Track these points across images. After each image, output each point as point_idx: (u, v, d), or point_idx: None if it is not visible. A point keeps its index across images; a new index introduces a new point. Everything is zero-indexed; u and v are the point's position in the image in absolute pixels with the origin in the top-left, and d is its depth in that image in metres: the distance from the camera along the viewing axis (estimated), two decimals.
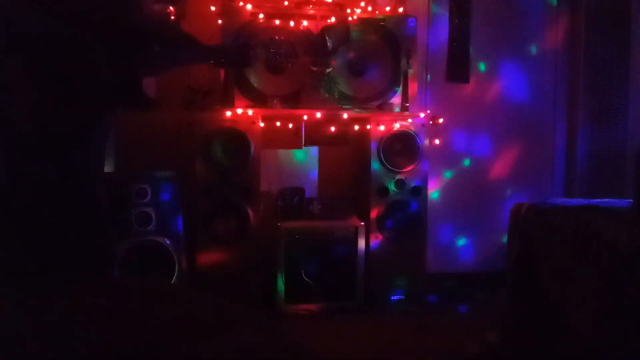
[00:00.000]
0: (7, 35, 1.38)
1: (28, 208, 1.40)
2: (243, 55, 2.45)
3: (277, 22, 3.25)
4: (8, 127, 1.38)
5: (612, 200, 2.24)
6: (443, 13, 3.73)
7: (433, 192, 3.71)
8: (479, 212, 3.82)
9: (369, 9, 3.48)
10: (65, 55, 1.41)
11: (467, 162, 3.81)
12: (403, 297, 3.30)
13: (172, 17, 3.00)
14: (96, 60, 1.46)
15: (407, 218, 3.28)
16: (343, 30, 3.16)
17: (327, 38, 3.10)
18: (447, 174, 3.78)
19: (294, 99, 3.25)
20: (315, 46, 3.18)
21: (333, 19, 3.30)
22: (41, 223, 1.40)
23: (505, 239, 2.49)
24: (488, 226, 3.80)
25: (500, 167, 3.86)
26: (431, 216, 3.47)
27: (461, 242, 3.83)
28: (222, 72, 3.18)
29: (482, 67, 3.78)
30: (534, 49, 3.86)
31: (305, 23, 3.29)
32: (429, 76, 3.71)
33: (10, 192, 1.38)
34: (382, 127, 3.24)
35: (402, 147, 3.28)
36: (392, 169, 3.25)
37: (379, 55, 3.36)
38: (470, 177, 3.81)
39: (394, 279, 3.29)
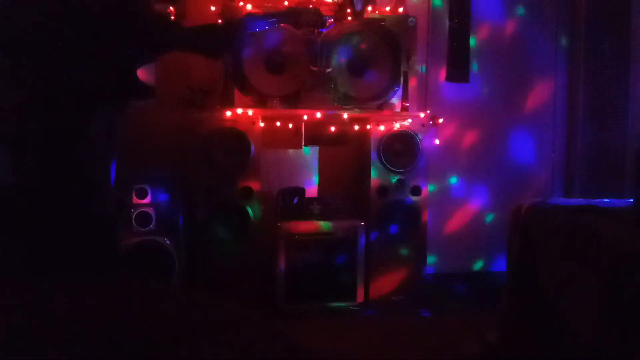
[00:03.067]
0: None
1: (31, 207, 1.39)
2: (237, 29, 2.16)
3: None
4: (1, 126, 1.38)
5: (612, 200, 2.25)
6: (443, 13, 3.73)
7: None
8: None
9: (369, 9, 3.47)
10: (49, 54, 1.41)
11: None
12: (403, 297, 3.30)
13: (172, 17, 3.00)
14: (82, 57, 1.46)
15: (407, 218, 3.28)
16: None
17: None
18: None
19: (294, 99, 3.25)
20: (343, 8, 3.14)
21: (332, 20, 3.30)
22: (44, 222, 1.40)
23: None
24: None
25: (500, 166, 3.87)
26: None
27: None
28: (222, 72, 3.18)
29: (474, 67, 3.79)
30: (532, 45, 3.86)
31: None
32: (426, 72, 3.71)
33: (13, 191, 1.38)
34: (382, 127, 3.24)
35: (402, 147, 3.27)
36: (392, 169, 3.25)
37: (379, 55, 3.36)
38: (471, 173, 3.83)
39: (394, 278, 3.29)
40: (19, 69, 1.38)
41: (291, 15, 2.44)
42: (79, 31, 1.44)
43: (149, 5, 1.84)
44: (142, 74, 1.67)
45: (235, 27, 2.13)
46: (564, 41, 3.89)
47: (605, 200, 2.24)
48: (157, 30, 1.70)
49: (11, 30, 1.40)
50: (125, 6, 1.56)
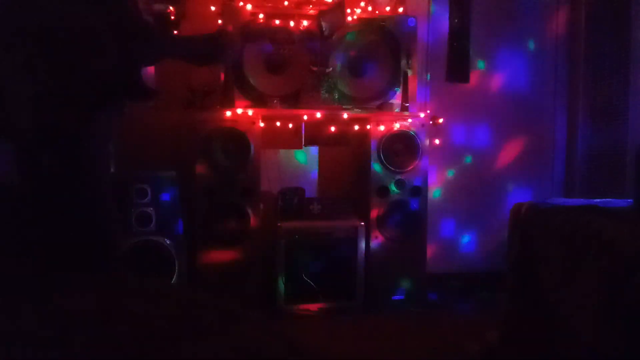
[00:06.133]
0: (7, 31, 1.38)
1: (32, 206, 1.40)
2: (232, 40, 2.26)
3: (277, 22, 3.25)
4: (9, 122, 1.38)
5: (612, 200, 2.24)
6: (443, 13, 3.73)
7: (435, 190, 3.72)
8: (481, 209, 3.82)
9: (369, 9, 3.48)
10: (65, 49, 1.41)
11: (468, 159, 3.82)
12: (403, 297, 3.30)
13: (172, 17, 3.01)
14: (96, 53, 1.46)
15: (407, 218, 3.28)
16: (338, 13, 3.14)
17: (322, 24, 3.10)
18: (449, 172, 3.78)
19: (294, 99, 3.25)
20: (311, 34, 3.18)
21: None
22: (45, 221, 1.40)
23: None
24: (489, 225, 3.81)
25: (500, 166, 3.86)
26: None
27: (465, 239, 3.82)
28: (222, 72, 3.18)
29: (481, 65, 3.78)
30: (532, 45, 3.85)
31: (305, 23, 3.29)
32: (429, 76, 3.72)
33: (14, 190, 1.38)
34: (382, 127, 3.24)
35: (402, 147, 3.28)
36: (392, 169, 3.25)
37: (379, 55, 3.36)
38: (472, 174, 3.82)
39: (394, 278, 3.29)
40: (31, 64, 1.38)
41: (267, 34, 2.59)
42: (90, 30, 1.44)
43: (141, 15, 1.85)
44: (143, 75, 1.67)
45: (228, 40, 2.17)
46: (564, 44, 3.89)
47: (605, 200, 2.24)
48: (150, 40, 1.71)
49: (26, 24, 1.40)
50: (122, 12, 1.57)
